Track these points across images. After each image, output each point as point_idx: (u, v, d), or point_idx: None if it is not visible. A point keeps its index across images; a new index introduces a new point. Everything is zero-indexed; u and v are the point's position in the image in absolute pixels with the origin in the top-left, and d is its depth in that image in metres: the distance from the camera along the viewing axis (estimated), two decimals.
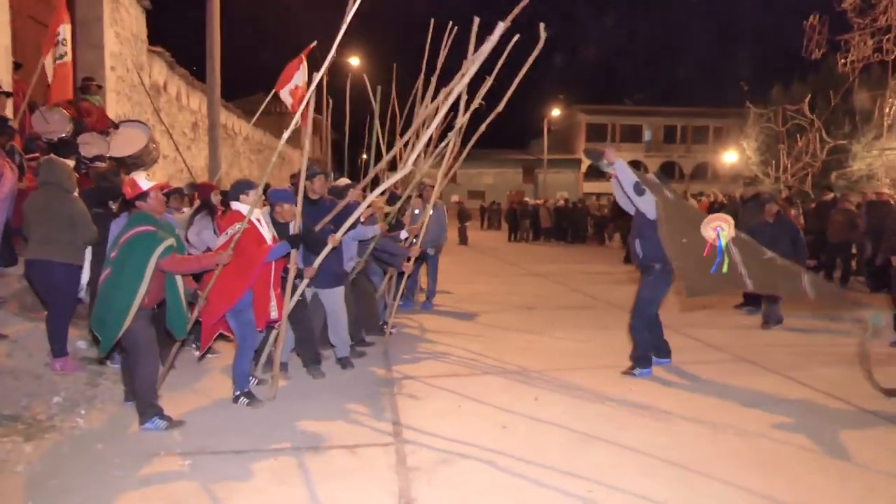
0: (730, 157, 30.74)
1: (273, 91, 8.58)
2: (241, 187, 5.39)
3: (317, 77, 5.41)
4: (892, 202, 13.33)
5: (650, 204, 5.85)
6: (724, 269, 5.55)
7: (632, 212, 6.19)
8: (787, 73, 27.31)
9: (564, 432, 4.65)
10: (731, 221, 5.66)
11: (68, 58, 7.69)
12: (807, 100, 22.06)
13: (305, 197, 5.74)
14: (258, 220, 5.30)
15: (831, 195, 13.51)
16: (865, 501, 3.70)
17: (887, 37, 17.78)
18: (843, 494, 3.76)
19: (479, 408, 5.16)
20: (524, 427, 4.75)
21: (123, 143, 8.67)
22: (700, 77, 79.81)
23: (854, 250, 12.86)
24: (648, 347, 6.24)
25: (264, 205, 5.88)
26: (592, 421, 4.88)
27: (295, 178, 7.12)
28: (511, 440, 4.50)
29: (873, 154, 22.26)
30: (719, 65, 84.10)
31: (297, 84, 8.49)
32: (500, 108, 6.95)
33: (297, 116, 5.51)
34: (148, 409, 4.61)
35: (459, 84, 5.73)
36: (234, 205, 5.31)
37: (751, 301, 9.57)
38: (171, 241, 4.67)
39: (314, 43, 8.43)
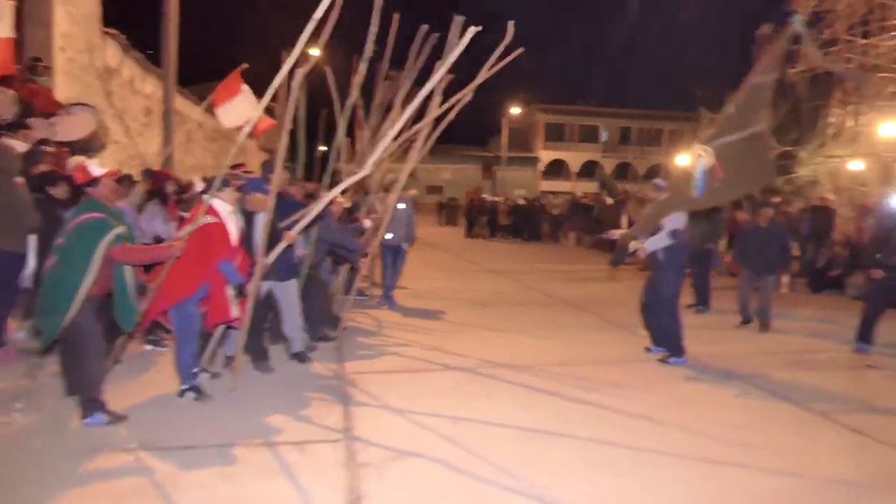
0: (682, 160, 31.46)
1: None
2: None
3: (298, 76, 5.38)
4: (834, 208, 13.87)
5: (680, 221, 6.54)
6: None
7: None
8: (739, 79, 28.02)
9: (516, 429, 4.70)
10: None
11: (5, 34, 7.48)
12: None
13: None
14: (227, 217, 5.17)
15: (775, 199, 13.99)
16: (799, 496, 3.84)
17: (833, 49, 18.45)
18: (787, 495, 3.90)
19: (431, 404, 5.17)
20: (476, 423, 4.78)
21: (70, 128, 8.39)
22: (655, 81, 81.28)
23: (797, 253, 13.33)
24: (681, 338, 6.73)
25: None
26: (544, 418, 4.94)
27: (238, 167, 7.01)
28: (463, 436, 4.52)
29: (818, 161, 23.07)
30: (674, 69, 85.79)
31: (249, 116, 8.88)
32: (467, 99, 6.94)
33: (259, 111, 5.47)
34: (90, 403, 4.48)
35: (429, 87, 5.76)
36: (207, 198, 5.16)
37: (701, 301, 9.84)
38: (121, 228, 4.54)
39: (245, 65, 8.93)
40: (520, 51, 6.39)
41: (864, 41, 17.91)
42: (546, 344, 7.38)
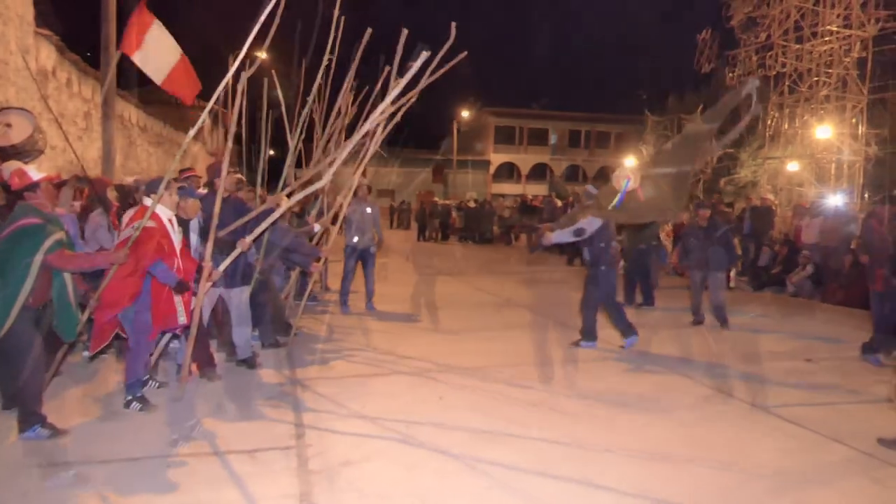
0: (629, 163, 32.19)
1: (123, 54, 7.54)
2: (156, 185, 5.04)
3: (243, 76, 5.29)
4: (774, 207, 14.38)
5: (591, 224, 7.04)
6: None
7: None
8: (682, 84, 28.93)
9: (467, 431, 4.72)
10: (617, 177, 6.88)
11: None
12: (699, 109, 23.36)
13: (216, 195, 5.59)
14: (169, 222, 5.04)
15: (712, 199, 14.49)
16: (743, 489, 3.97)
17: (769, 53, 19.13)
18: (733, 489, 4.02)
19: (383, 409, 5.15)
20: (428, 426, 4.78)
21: (5, 132, 8.04)
22: (603, 85, 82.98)
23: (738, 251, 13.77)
24: (594, 323, 7.35)
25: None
26: (494, 419, 4.97)
27: (185, 171, 6.84)
28: (414, 440, 4.52)
29: (758, 162, 23.93)
30: (621, 74, 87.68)
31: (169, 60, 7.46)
32: (412, 101, 6.92)
33: (205, 115, 5.34)
34: (29, 416, 4.31)
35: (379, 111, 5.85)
36: (147, 201, 5.00)
37: (646, 300, 10.09)
38: (60, 234, 4.39)
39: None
40: (463, 55, 6.42)
41: (798, 46, 18.63)
42: (496, 345, 7.43)
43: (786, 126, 19.99)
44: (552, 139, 55.67)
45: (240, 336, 6.17)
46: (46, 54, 13.08)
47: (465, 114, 44.95)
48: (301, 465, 4.08)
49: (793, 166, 20.47)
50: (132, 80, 16.83)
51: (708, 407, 5.45)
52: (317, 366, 6.46)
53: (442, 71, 6.25)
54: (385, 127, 7.13)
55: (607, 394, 5.70)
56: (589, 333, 7.33)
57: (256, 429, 4.67)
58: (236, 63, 5.28)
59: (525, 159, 54.54)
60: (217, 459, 4.12)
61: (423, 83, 6.24)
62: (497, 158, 54.28)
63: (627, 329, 7.31)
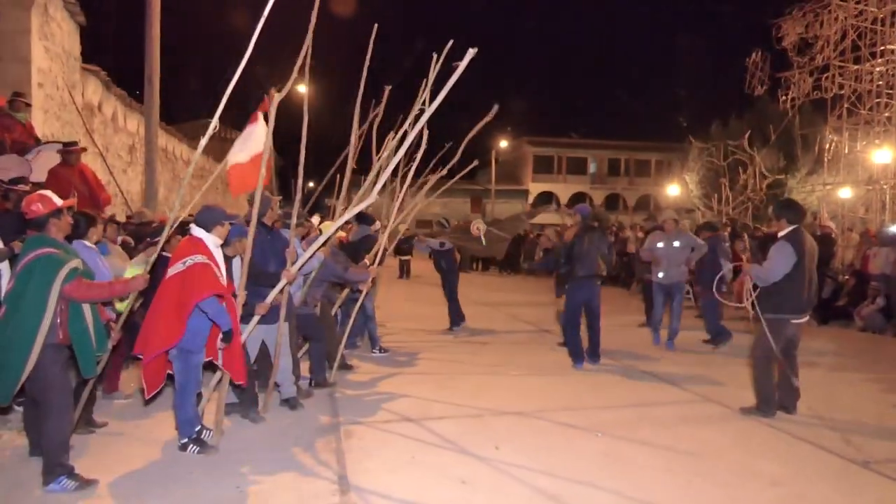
0: (672, 190, 31.47)
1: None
2: (217, 217, 4.80)
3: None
4: (834, 236, 13.63)
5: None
6: None
7: None
8: (725, 109, 28.23)
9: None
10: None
11: None
12: (746, 135, 22.69)
13: (262, 225, 5.43)
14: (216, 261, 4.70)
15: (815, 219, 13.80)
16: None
17: (825, 75, 18.45)
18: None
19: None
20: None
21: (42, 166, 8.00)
22: (643, 112, 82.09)
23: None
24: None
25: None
26: (529, 422, 4.53)
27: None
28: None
29: (807, 189, 23.09)
30: (661, 100, 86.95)
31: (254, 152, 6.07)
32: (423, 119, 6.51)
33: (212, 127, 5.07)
34: (55, 468, 4.00)
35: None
36: (197, 231, 4.71)
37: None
38: (76, 262, 4.12)
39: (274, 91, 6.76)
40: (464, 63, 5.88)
41: (856, 66, 17.92)
42: (550, 383, 6.94)
43: (846, 150, 19.12)
44: (591, 168, 55.14)
45: (281, 374, 5.80)
46: (93, 89, 13.25)
47: (503, 143, 44.81)
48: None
49: (844, 192, 19.58)
50: (178, 115, 17.07)
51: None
52: (360, 408, 6.06)
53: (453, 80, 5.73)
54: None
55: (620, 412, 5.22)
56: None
57: (296, 484, 4.27)
58: (236, 73, 4.91)
59: (564, 188, 54.05)
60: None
61: (439, 98, 5.75)
62: (536, 188, 53.90)
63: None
